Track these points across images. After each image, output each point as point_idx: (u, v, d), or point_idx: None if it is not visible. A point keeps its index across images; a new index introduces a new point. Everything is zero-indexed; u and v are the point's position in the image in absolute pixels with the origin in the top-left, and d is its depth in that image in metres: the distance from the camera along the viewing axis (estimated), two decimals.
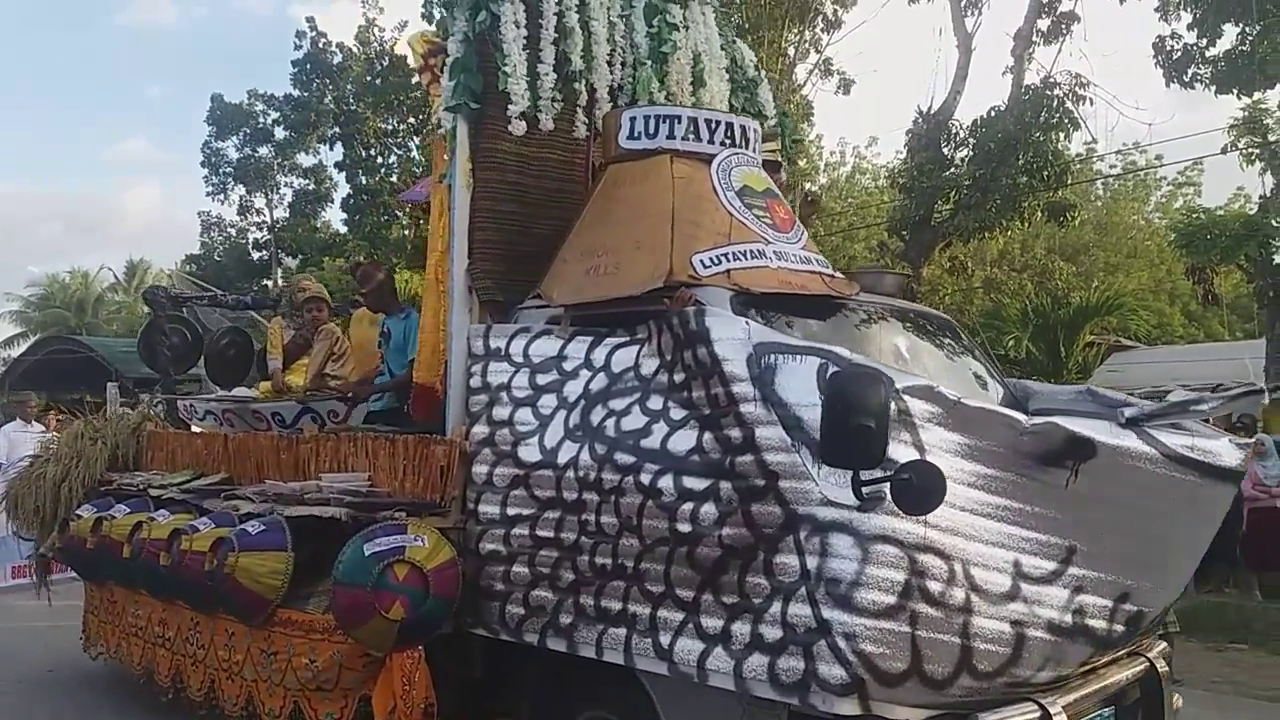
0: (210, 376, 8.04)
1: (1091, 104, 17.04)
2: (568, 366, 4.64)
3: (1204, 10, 16.30)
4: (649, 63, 5.31)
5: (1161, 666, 4.30)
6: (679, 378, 4.20)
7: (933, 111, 18.41)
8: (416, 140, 27.42)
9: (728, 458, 3.92)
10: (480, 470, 4.73)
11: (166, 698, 5.83)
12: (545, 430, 4.57)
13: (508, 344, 4.85)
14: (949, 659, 3.59)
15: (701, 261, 4.40)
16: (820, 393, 3.74)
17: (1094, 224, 22.69)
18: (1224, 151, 15.45)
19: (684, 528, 3.98)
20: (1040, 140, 17.04)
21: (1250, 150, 14.79)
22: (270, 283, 29.63)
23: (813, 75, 21.50)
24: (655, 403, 4.26)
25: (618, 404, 4.38)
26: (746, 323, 4.04)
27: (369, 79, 27.55)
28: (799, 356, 3.87)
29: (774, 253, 4.50)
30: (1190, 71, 16.80)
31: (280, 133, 29.38)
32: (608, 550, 4.23)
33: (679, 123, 4.74)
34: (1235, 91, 16.19)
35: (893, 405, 3.53)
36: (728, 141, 4.76)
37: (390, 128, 27.86)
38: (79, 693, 7.20)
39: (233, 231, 32.05)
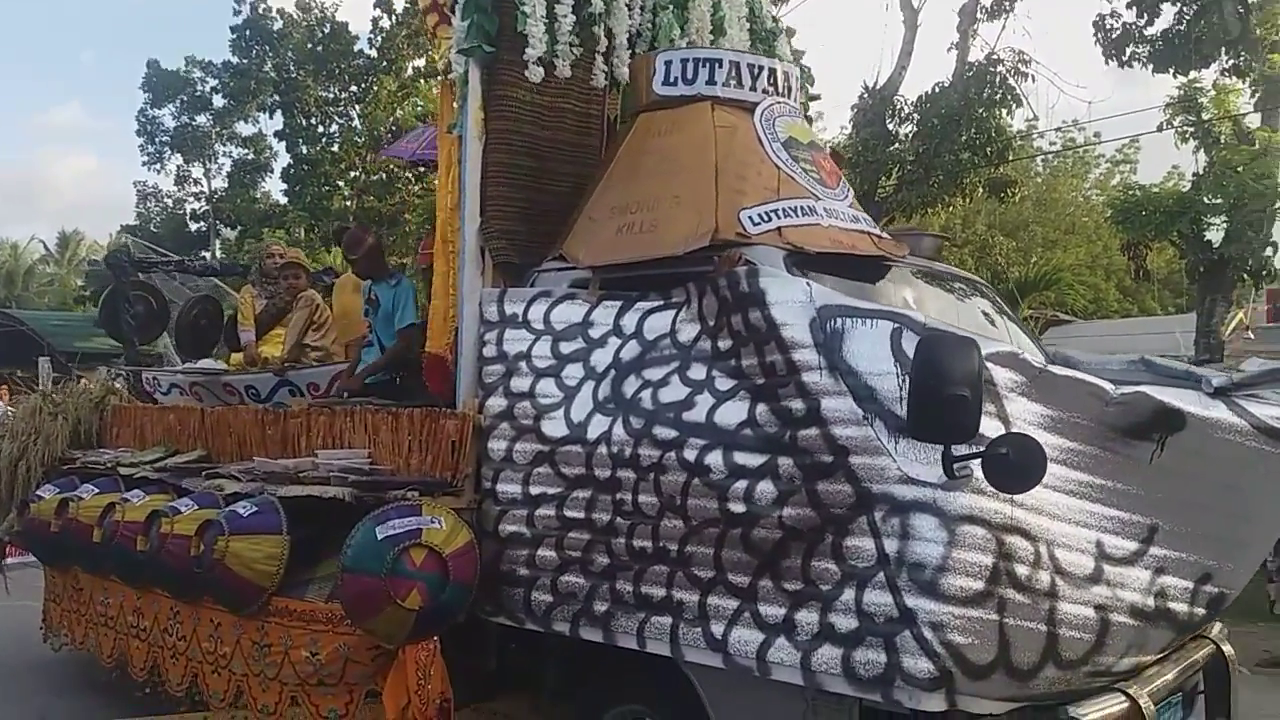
0: (179, 347, 7.32)
1: (1033, 81, 16.85)
2: (594, 334, 4.15)
3: None
4: (670, 7, 4.80)
5: (1227, 649, 3.97)
6: (725, 344, 3.73)
7: (878, 87, 18.12)
8: (358, 109, 26.41)
9: (787, 431, 3.47)
10: (497, 446, 4.22)
11: (143, 691, 5.21)
12: (571, 402, 4.08)
13: (526, 309, 4.33)
14: (1035, 647, 3.23)
15: (750, 218, 3.91)
16: (895, 359, 3.33)
17: (1034, 200, 22.52)
18: (1159, 130, 15.35)
19: (737, 508, 3.53)
20: (983, 117, 16.85)
21: (1185, 129, 14.71)
22: (209, 254, 28.42)
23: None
24: (697, 372, 3.79)
25: (653, 374, 3.90)
26: (808, 283, 3.58)
27: (310, 46, 26.37)
28: (869, 320, 3.43)
29: (824, 210, 4.04)
30: (1129, 50, 16.71)
31: (219, 101, 28.09)
32: (647, 532, 3.77)
33: (720, 67, 4.23)
34: (1171, 71, 16.13)
35: None
36: (770, 89, 4.27)
37: (331, 96, 26.72)
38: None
39: (169, 202, 30.70)
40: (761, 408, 3.57)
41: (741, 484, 3.53)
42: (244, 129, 28.71)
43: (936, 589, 3.12)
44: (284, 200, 27.39)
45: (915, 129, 17.52)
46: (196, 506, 4.74)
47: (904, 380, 3.29)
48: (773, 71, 4.30)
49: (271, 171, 28.88)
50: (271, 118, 27.44)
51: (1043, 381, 3.37)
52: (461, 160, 4.49)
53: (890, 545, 3.22)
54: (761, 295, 3.61)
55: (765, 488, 3.49)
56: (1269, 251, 13.58)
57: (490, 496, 4.22)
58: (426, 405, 4.59)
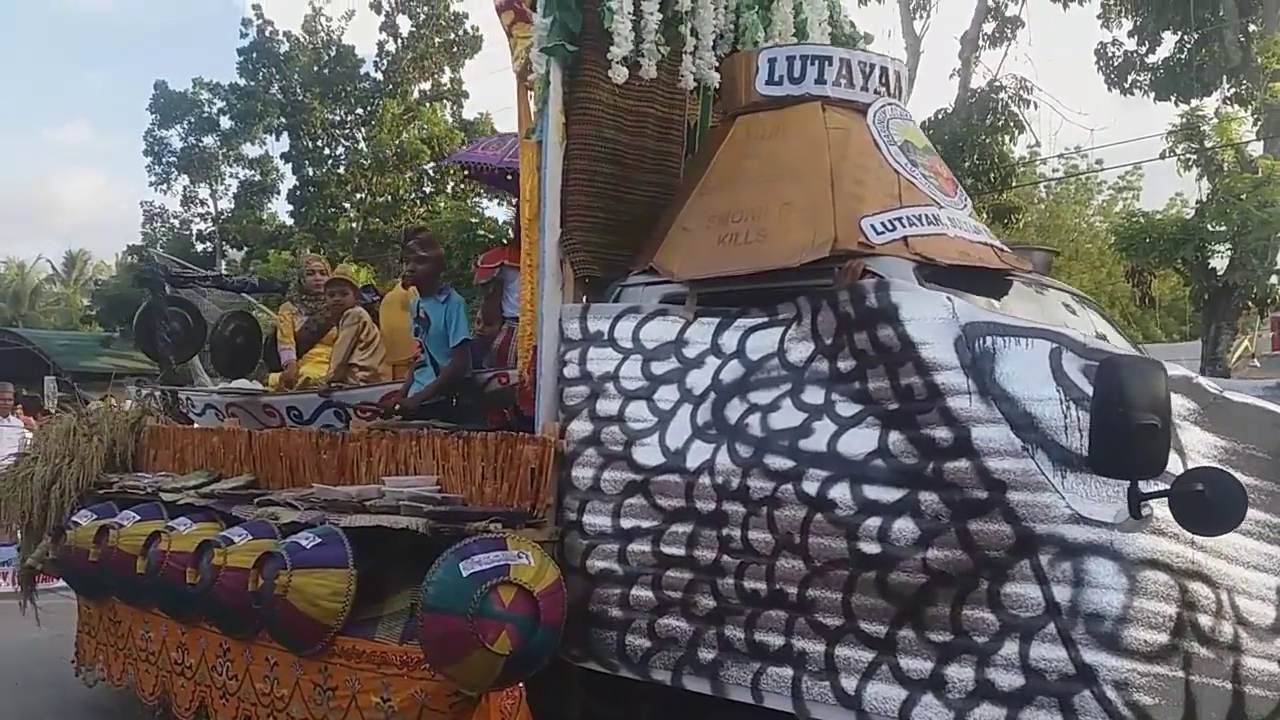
0: (214, 366, 6.78)
1: (1036, 108, 16.61)
2: (689, 353, 3.68)
3: (1144, 18, 16.01)
4: (755, 8, 4.37)
5: None
6: (846, 366, 3.28)
7: None
8: (363, 131, 25.94)
9: (930, 463, 3.02)
10: (583, 474, 3.74)
11: None
12: (666, 427, 3.61)
13: (612, 327, 3.86)
14: (1220, 708, 2.78)
15: (873, 227, 3.46)
16: (1056, 383, 2.89)
17: (1037, 226, 22.16)
18: (1162, 157, 15.10)
19: (869, 548, 3.07)
20: (986, 143, 16.61)
21: (1187, 156, 14.45)
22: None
23: None
24: (813, 396, 3.33)
25: (761, 397, 3.44)
26: (949, 298, 3.13)
27: (316, 69, 25.89)
28: (1024, 340, 2.99)
29: (948, 219, 3.60)
30: (1130, 78, 16.52)
31: (225, 122, 27.48)
32: (760, 573, 3.29)
33: (830, 65, 3.78)
34: (1173, 98, 15.91)
35: None
36: (882, 89, 3.83)
37: (337, 118, 26.23)
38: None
39: (176, 222, 29.82)
40: (895, 436, 3.11)
41: (874, 521, 3.07)
42: (250, 150, 28.13)
43: (1118, 642, 2.68)
44: (290, 222, 26.85)
45: None
46: (251, 536, 4.22)
47: (1068, 407, 2.86)
48: (884, 70, 3.86)
49: (278, 193, 28.32)
50: (278, 139, 26.95)
51: (1217, 409, 2.94)
52: (540, 167, 4.04)
53: (1061, 593, 2.77)
54: (894, 311, 3.16)
55: (904, 526, 3.03)
56: (1274, 279, 13.29)
57: (575, 529, 3.74)
58: (505, 429, 4.13)
